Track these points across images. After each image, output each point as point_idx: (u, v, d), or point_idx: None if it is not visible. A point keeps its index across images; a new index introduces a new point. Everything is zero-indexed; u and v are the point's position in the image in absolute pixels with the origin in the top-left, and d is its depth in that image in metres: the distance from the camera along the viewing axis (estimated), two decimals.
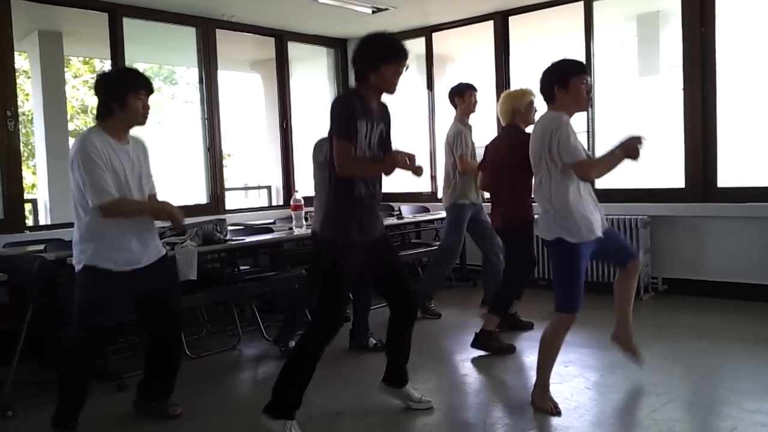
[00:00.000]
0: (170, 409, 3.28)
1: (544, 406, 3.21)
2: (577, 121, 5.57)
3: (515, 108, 4.38)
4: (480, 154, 4.79)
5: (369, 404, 3.35)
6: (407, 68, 3.02)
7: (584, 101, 3.26)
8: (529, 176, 3.79)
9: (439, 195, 5.31)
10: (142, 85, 3.01)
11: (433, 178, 6.96)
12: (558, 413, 3.15)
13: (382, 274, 3.19)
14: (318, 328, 2.99)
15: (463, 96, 5.11)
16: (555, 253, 3.22)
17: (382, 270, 3.17)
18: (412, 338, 3.27)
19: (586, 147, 3.42)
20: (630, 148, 3.15)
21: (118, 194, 2.92)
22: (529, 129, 3.56)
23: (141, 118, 3.02)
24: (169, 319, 3.21)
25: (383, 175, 3.08)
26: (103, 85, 3.05)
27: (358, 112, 2.92)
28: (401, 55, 2.98)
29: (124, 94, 2.94)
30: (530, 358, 4.00)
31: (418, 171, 3.01)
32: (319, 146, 4.13)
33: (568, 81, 3.20)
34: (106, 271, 2.92)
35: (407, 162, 2.96)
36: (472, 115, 5.18)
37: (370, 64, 2.95)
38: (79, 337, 2.99)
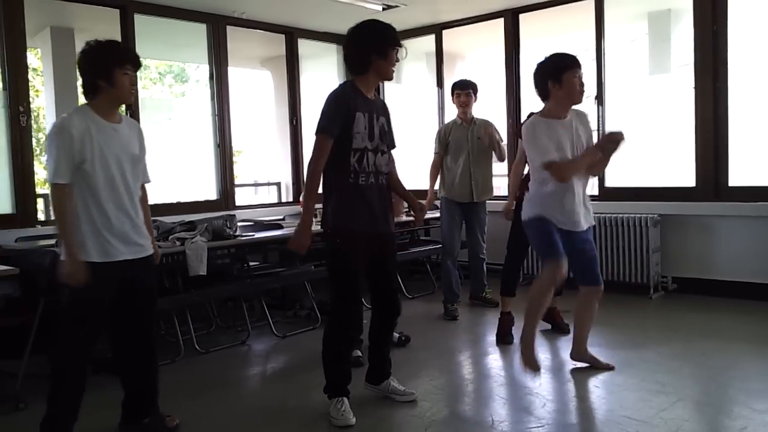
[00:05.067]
0: (167, 421, 3.06)
1: (525, 362, 3.42)
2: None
3: None
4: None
5: (377, 402, 3.36)
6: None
7: (577, 95, 3.35)
8: None
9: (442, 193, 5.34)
10: (128, 59, 2.84)
11: None
12: (537, 374, 3.37)
13: (375, 272, 3.17)
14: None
15: (452, 98, 5.30)
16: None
17: (377, 269, 3.17)
18: (392, 338, 3.43)
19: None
20: (608, 142, 3.27)
21: (104, 174, 2.76)
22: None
23: (128, 95, 2.86)
24: (141, 322, 3.00)
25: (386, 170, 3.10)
26: (86, 61, 2.82)
27: (356, 104, 2.91)
28: (398, 40, 3.00)
29: (109, 71, 2.77)
30: (540, 356, 4.00)
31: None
32: None
33: (561, 75, 3.29)
34: (96, 264, 2.75)
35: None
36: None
37: (381, 51, 2.91)
38: (65, 344, 2.81)
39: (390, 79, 3.03)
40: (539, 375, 3.35)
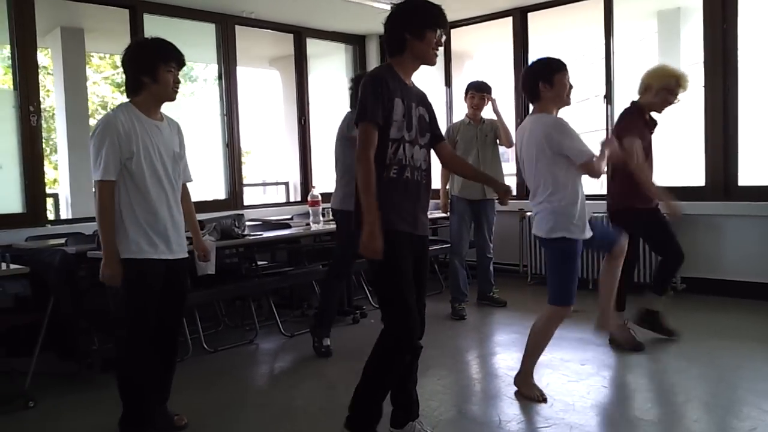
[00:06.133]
0: (175, 420, 3.05)
1: (530, 393, 3.30)
2: (596, 119, 5.53)
3: (648, 85, 4.13)
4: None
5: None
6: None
7: (567, 96, 3.37)
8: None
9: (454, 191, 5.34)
10: (172, 57, 2.83)
11: None
12: (544, 400, 3.23)
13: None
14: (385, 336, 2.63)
15: (465, 97, 5.34)
16: (553, 250, 3.25)
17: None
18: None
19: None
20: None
21: (149, 171, 2.78)
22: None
23: (172, 93, 2.86)
24: (174, 319, 3.07)
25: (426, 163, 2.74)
26: (131, 57, 2.86)
27: (394, 88, 2.60)
28: (439, 21, 2.68)
29: (153, 67, 2.78)
30: (546, 356, 3.99)
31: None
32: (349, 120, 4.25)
33: (552, 77, 3.31)
34: (146, 260, 2.78)
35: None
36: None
37: (415, 31, 2.63)
38: (130, 341, 2.86)
39: (430, 63, 2.73)
40: (545, 402, 3.23)
